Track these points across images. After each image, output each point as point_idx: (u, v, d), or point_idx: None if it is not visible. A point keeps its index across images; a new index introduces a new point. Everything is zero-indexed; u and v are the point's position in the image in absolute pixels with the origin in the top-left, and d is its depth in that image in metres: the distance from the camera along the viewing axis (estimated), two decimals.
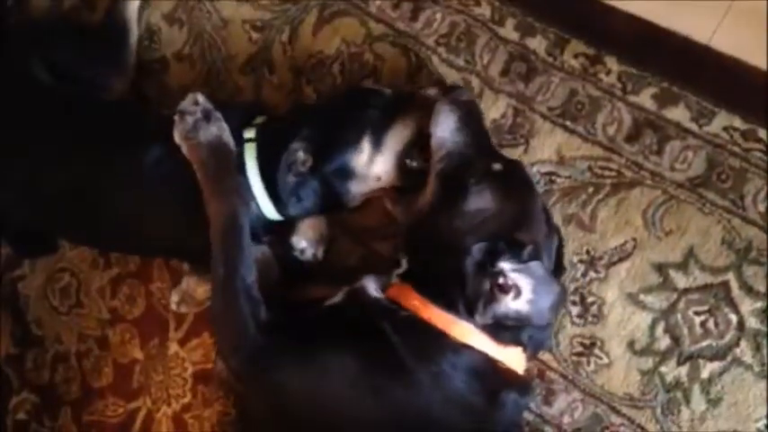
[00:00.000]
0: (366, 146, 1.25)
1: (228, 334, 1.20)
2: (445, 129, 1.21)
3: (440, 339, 1.12)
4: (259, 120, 1.34)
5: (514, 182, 1.20)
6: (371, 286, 1.20)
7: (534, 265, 1.10)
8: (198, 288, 1.44)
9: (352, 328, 1.16)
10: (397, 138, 1.26)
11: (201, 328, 1.53)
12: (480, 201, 1.16)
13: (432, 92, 1.26)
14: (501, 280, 1.10)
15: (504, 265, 1.10)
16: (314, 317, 1.21)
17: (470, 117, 1.23)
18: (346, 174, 1.26)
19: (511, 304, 1.10)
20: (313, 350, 1.15)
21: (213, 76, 1.58)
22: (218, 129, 1.28)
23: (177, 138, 1.27)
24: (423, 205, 1.22)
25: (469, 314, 1.12)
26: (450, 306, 1.13)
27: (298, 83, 1.52)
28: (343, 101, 1.30)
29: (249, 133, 1.30)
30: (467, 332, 1.12)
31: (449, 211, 1.17)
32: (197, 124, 1.26)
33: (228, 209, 1.22)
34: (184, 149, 1.27)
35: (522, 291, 1.09)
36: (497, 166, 1.19)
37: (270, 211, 1.30)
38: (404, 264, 1.22)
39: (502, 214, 1.15)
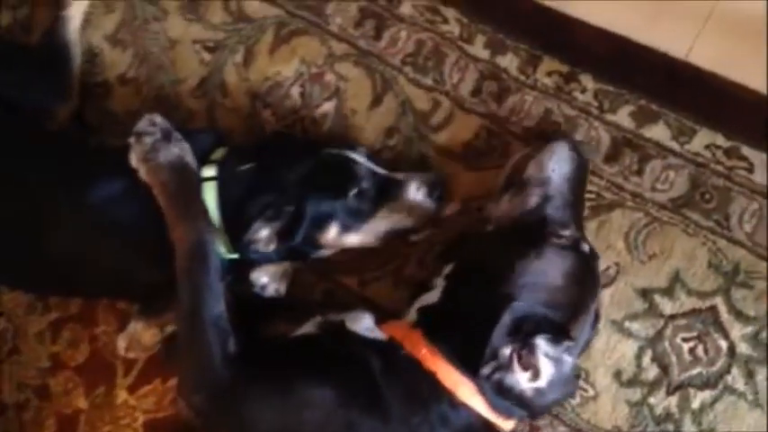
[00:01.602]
0: (335, 229, 1.23)
1: (193, 368, 1.14)
2: (558, 171, 1.17)
3: (437, 390, 1.07)
4: (219, 154, 1.27)
5: (589, 271, 1.16)
6: (365, 321, 1.16)
7: (567, 361, 1.07)
8: (146, 332, 1.37)
9: (328, 359, 1.11)
10: (374, 227, 1.24)
11: (153, 374, 1.46)
12: (551, 266, 1.11)
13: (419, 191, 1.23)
14: (527, 354, 1.05)
15: (541, 343, 1.05)
16: (285, 347, 1.16)
17: (582, 176, 1.20)
18: (315, 246, 1.24)
19: (523, 382, 1.06)
20: (289, 382, 1.10)
21: (162, 101, 1.52)
22: (180, 149, 1.22)
23: (134, 161, 1.21)
24: (498, 216, 1.18)
25: (473, 367, 1.06)
26: (460, 361, 1.09)
27: (254, 107, 1.47)
28: (321, 168, 1.23)
29: (209, 171, 1.23)
30: (468, 393, 1.07)
31: (515, 251, 1.12)
32: (156, 145, 1.20)
33: (195, 234, 1.17)
34: (143, 173, 1.20)
35: (540, 377, 1.05)
36: (585, 247, 1.15)
37: (229, 250, 1.24)
38: (437, 291, 1.16)
39: (562, 295, 1.11)
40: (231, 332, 1.15)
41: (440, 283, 1.16)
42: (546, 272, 1.10)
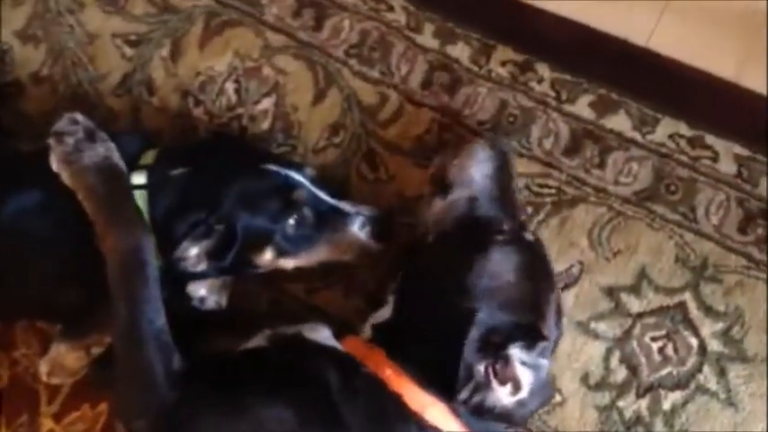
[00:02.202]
0: (270, 254, 1.18)
1: (134, 390, 1.06)
2: (477, 169, 1.15)
3: (403, 413, 1.00)
4: (149, 157, 1.19)
5: (539, 260, 1.12)
6: (323, 332, 1.10)
7: (544, 364, 1.03)
8: (70, 355, 1.27)
9: (282, 374, 1.05)
10: (312, 256, 1.20)
11: (81, 400, 1.36)
12: (501, 266, 1.07)
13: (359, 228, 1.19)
14: (503, 367, 1.00)
15: (516, 352, 1.01)
16: (234, 363, 1.09)
17: (505, 171, 1.17)
18: (250, 265, 1.19)
19: (504, 398, 1.01)
20: (240, 401, 1.02)
21: (80, 100, 1.43)
22: (106, 149, 1.13)
23: (55, 164, 1.11)
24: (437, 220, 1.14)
25: (447, 393, 1.01)
26: (428, 382, 1.03)
27: (184, 105, 1.40)
28: (260, 188, 1.16)
29: (138, 178, 1.15)
30: (439, 416, 1.01)
31: (461, 260, 1.08)
32: (79, 145, 1.11)
33: (129, 241, 1.09)
34: (65, 177, 1.11)
35: (522, 388, 1.01)
36: (529, 236, 1.12)
37: (161, 262, 1.16)
38: (389, 307, 1.12)
39: (521, 292, 1.07)
40: (175, 348, 1.08)
41: (390, 299, 1.12)
42: (498, 273, 1.07)
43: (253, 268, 1.19)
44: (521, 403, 1.01)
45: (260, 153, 1.27)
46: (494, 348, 1.01)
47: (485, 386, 1.01)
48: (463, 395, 1.00)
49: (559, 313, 1.13)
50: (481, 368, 1.01)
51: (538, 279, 1.10)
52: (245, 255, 1.15)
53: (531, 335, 1.03)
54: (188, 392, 1.05)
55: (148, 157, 1.19)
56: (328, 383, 1.02)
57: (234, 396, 1.03)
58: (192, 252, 1.13)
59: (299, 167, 1.19)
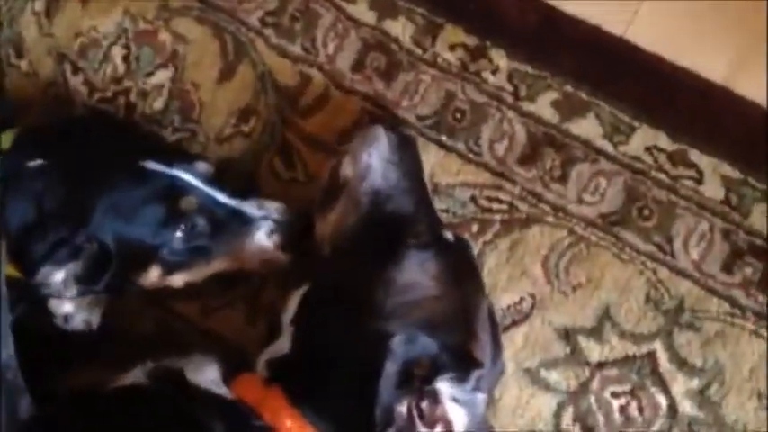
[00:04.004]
0: (156, 272, 1.07)
1: None
2: (375, 155, 1.07)
3: None
4: (6, 140, 1.08)
5: (466, 266, 1.04)
6: (209, 372, 1.01)
7: (480, 398, 0.94)
8: None
9: (160, 423, 0.96)
10: (206, 270, 1.10)
11: None
12: (418, 275, 0.98)
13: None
14: (430, 406, 0.90)
15: (445, 387, 0.90)
16: (102, 405, 1.00)
17: (409, 155, 1.09)
18: (132, 283, 1.09)
19: None
20: None
21: None
22: None
23: None
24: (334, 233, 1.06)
25: None
26: (337, 429, 0.95)
27: (60, 71, 1.28)
28: (139, 192, 1.04)
29: None
30: None
31: (367, 272, 0.99)
32: None
33: None
34: None
35: (454, 428, 0.91)
36: (449, 235, 1.04)
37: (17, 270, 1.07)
38: (286, 338, 1.01)
39: (445, 306, 0.98)
40: (23, 389, 0.98)
41: (287, 329, 1.01)
42: (415, 284, 0.99)
43: (136, 287, 1.11)
44: None
45: (144, 142, 1.15)
46: (417, 383, 0.92)
47: (408, 431, 0.92)
48: None
49: (495, 329, 1.05)
50: (403, 409, 0.91)
51: (464, 288, 1.02)
52: (124, 275, 1.07)
53: (463, 362, 0.95)
54: None
55: (5, 139, 1.08)
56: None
57: None
58: (56, 278, 1.04)
59: (189, 162, 1.08)
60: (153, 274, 1.08)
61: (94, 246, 1.04)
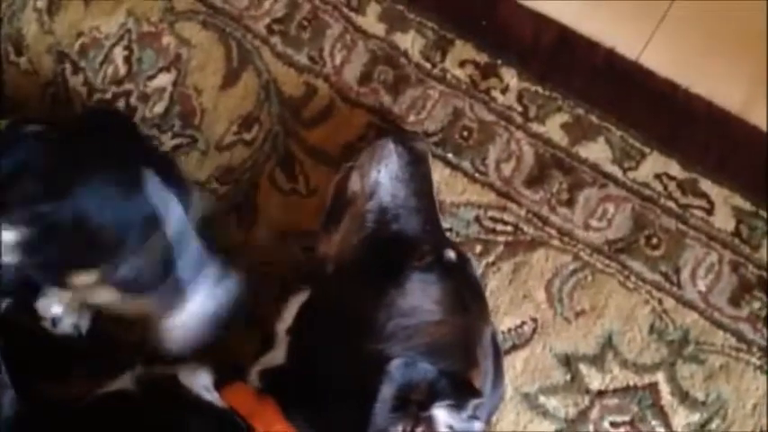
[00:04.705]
0: (92, 278, 1.01)
1: None
2: (385, 172, 1.05)
3: None
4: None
5: (470, 290, 1.01)
6: (201, 380, 0.98)
7: (477, 426, 0.91)
8: None
9: (147, 428, 0.94)
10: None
11: None
12: (420, 298, 0.97)
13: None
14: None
15: (441, 413, 0.89)
16: (88, 412, 0.97)
17: (419, 172, 1.07)
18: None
19: None
20: None
21: None
22: None
23: None
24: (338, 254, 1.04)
25: None
26: None
27: (60, 70, 1.25)
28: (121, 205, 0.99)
29: None
30: None
31: (369, 294, 0.97)
32: None
33: None
34: None
35: None
36: (451, 255, 1.01)
37: None
38: (281, 349, 0.99)
39: (446, 330, 0.96)
40: (8, 384, 0.95)
41: (282, 339, 1.00)
42: (416, 308, 0.98)
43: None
44: None
45: (150, 150, 1.11)
46: (413, 408, 0.91)
47: None
48: None
49: (498, 356, 1.02)
50: None
51: (468, 314, 1.01)
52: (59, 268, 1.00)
53: (461, 390, 0.93)
54: None
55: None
56: None
57: None
58: (5, 237, 0.97)
59: (185, 190, 1.02)
60: (86, 278, 1.02)
61: (54, 219, 0.98)
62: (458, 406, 0.91)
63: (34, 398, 1.00)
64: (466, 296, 1.01)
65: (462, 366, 0.95)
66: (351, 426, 0.92)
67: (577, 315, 1.14)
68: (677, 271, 1.13)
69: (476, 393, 0.93)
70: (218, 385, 0.98)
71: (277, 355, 1.00)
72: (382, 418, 0.90)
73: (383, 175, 1.06)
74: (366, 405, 0.90)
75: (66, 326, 1.11)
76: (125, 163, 1.01)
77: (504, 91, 1.19)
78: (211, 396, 0.96)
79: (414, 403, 0.91)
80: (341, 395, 0.93)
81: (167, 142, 1.21)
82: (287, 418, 0.92)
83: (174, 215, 0.99)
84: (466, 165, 1.18)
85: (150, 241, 0.98)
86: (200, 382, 0.97)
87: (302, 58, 1.22)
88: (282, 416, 0.93)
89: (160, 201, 0.99)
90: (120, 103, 1.24)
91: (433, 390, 0.92)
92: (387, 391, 0.91)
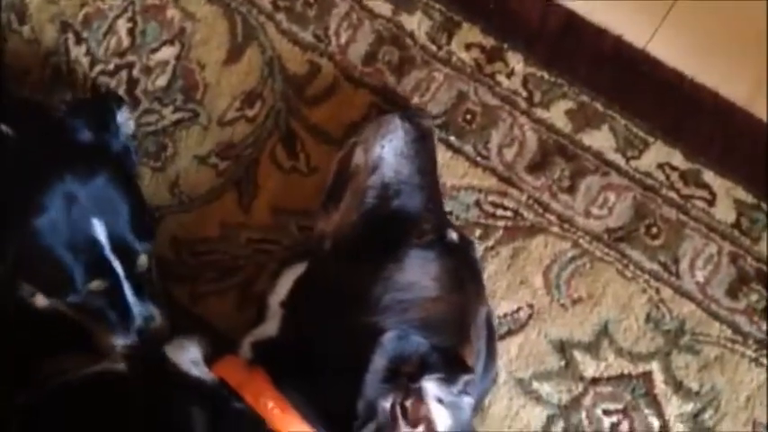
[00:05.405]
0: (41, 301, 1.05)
1: None
2: (389, 147, 1.04)
3: None
4: None
5: (468, 270, 1.02)
6: (190, 352, 0.97)
7: (466, 401, 0.91)
8: None
9: (134, 409, 0.93)
10: None
11: None
12: (418, 274, 0.96)
13: None
14: (414, 404, 0.88)
15: (431, 386, 0.88)
16: (75, 391, 0.97)
17: (425, 150, 1.06)
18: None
19: None
20: None
21: None
22: None
23: None
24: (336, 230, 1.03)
25: (342, 429, 0.91)
26: (320, 418, 0.92)
27: (63, 40, 1.24)
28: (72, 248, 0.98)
29: None
30: None
31: (367, 268, 0.97)
32: None
33: None
34: None
35: (436, 430, 0.89)
36: (453, 236, 1.01)
37: None
38: (274, 321, 0.99)
39: (442, 308, 0.96)
40: None
41: (276, 312, 1.00)
42: (413, 284, 0.97)
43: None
44: None
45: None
46: (404, 380, 0.90)
47: (390, 428, 0.91)
48: None
49: (492, 338, 1.03)
50: (386, 404, 0.90)
51: (464, 293, 1.00)
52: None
53: (452, 365, 0.93)
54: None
55: None
56: (191, 422, 0.90)
57: None
58: None
59: (135, 248, 0.99)
60: (37, 299, 1.03)
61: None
62: (448, 380, 0.91)
63: (22, 378, 0.99)
64: (465, 276, 1.00)
65: (455, 342, 0.95)
66: (342, 396, 0.92)
67: (574, 302, 1.14)
68: (676, 261, 1.14)
69: (467, 369, 0.93)
70: (210, 358, 0.97)
71: (269, 327, 0.99)
72: (373, 388, 0.90)
73: (387, 151, 1.05)
74: (358, 376, 0.91)
75: (42, 302, 1.08)
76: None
77: (510, 75, 1.19)
78: (199, 370, 0.95)
79: (404, 375, 0.91)
80: (333, 366, 0.93)
81: (169, 116, 1.21)
82: (278, 389, 0.92)
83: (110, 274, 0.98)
84: (468, 148, 1.17)
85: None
86: (188, 357, 0.97)
87: (307, 36, 1.21)
88: (272, 386, 0.93)
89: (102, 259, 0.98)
90: (123, 75, 1.23)
91: (424, 363, 0.92)
92: (378, 363, 0.91)
